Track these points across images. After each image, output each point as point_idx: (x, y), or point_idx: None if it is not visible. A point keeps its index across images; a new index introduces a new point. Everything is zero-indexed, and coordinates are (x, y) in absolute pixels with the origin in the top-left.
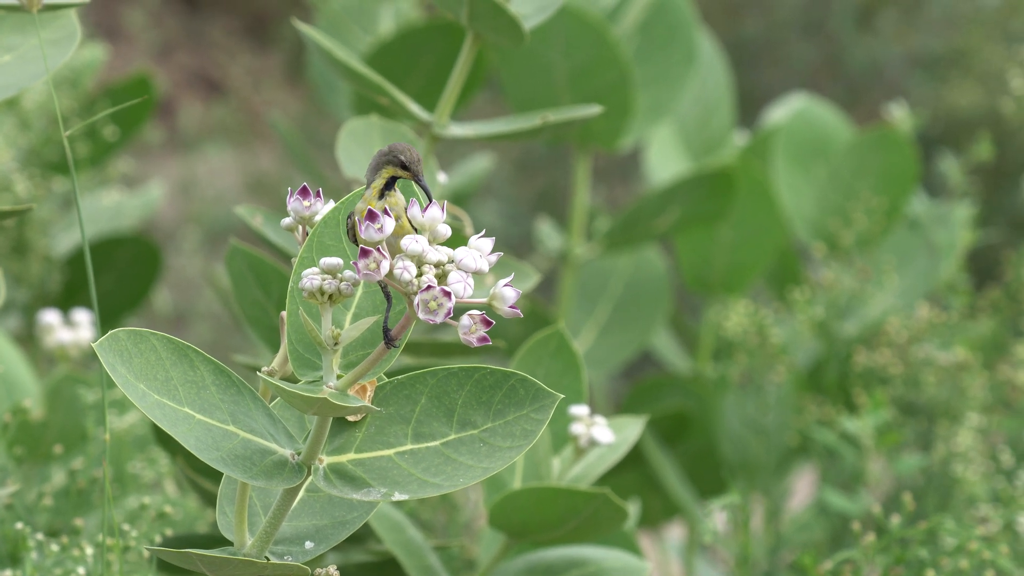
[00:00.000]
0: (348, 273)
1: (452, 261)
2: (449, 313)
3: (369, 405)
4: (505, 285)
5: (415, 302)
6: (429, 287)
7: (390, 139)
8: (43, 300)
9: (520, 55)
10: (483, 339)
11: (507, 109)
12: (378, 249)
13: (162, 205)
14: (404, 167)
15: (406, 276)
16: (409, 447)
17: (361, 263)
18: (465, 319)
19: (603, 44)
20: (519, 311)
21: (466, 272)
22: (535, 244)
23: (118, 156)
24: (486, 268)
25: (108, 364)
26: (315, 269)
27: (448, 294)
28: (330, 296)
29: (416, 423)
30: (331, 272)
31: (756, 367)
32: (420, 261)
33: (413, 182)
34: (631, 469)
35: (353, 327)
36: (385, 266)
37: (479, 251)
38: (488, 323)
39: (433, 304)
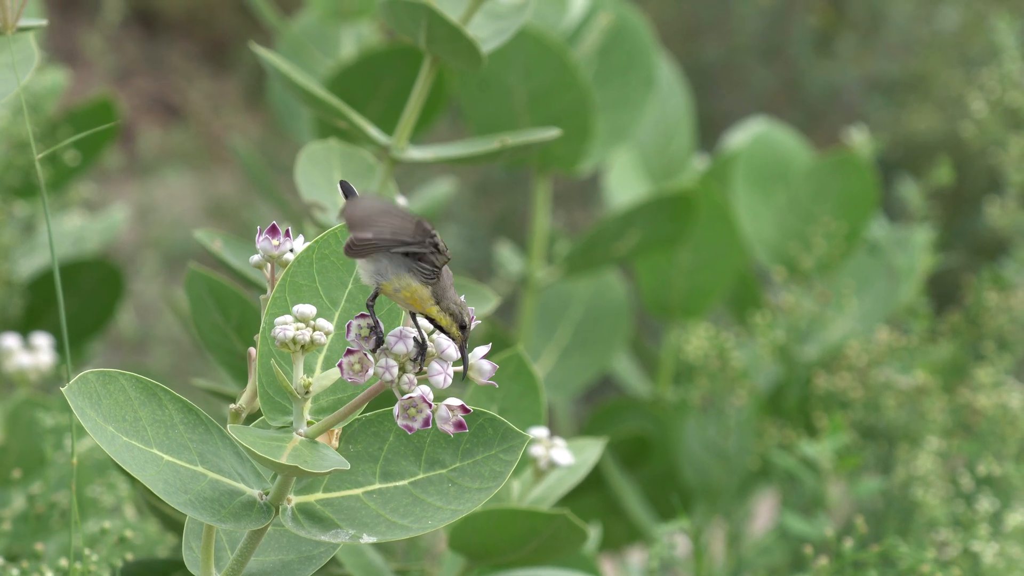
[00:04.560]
0: (322, 321)
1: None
2: (428, 421)
3: (339, 461)
4: (482, 357)
5: (394, 409)
6: (411, 398)
7: (349, 163)
8: (3, 324)
9: (479, 79)
10: (460, 425)
11: (467, 133)
12: (363, 353)
13: (122, 230)
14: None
15: (388, 377)
16: (377, 486)
17: (345, 362)
18: (443, 410)
19: (562, 68)
20: (495, 383)
21: (447, 362)
22: (495, 268)
23: (79, 181)
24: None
25: (77, 408)
26: (289, 317)
27: (428, 403)
28: (302, 346)
29: (384, 461)
30: (304, 320)
31: (717, 391)
32: (403, 360)
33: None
34: (592, 493)
35: (324, 376)
36: (370, 372)
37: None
38: (466, 411)
39: (412, 412)
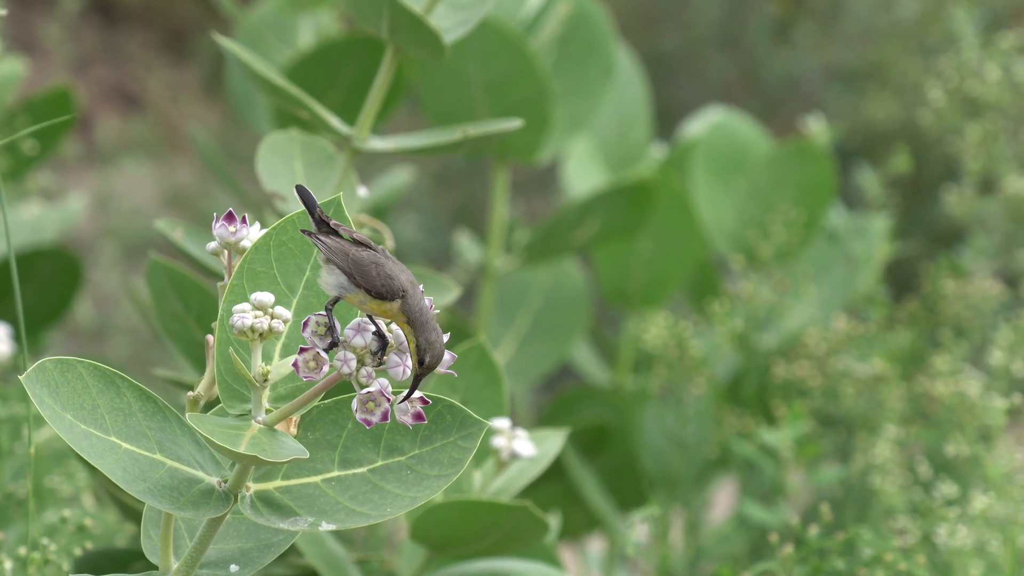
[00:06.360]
0: (280, 309)
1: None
2: (386, 415)
3: (298, 449)
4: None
5: (353, 403)
6: (369, 392)
7: (310, 153)
8: None
9: (439, 68)
10: (419, 416)
11: (425, 122)
12: (318, 350)
13: (80, 219)
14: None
15: (346, 370)
16: (336, 473)
17: (300, 359)
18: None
19: (521, 58)
20: (454, 372)
21: (405, 354)
22: (454, 257)
23: (37, 170)
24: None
25: (36, 396)
26: (247, 305)
27: (387, 396)
28: (261, 334)
29: (343, 449)
30: (262, 308)
31: (675, 379)
32: (362, 354)
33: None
34: (552, 482)
35: (282, 363)
36: (325, 369)
37: None
38: (425, 402)
39: (371, 405)
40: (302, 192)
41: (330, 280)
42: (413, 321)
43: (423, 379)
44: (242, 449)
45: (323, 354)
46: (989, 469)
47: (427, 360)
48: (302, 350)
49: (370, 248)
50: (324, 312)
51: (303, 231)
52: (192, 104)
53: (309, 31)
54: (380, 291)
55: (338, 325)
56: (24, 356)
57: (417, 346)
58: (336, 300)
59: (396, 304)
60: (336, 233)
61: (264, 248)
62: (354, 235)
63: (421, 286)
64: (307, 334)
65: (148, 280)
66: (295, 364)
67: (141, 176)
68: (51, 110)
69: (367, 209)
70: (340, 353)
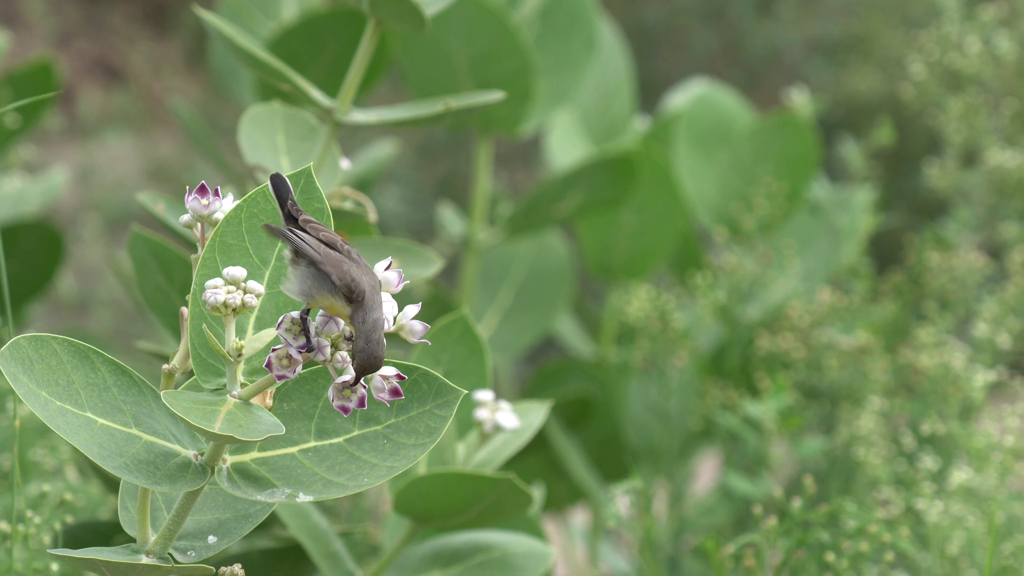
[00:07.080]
0: (253, 284)
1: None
2: (363, 401)
3: (274, 424)
4: (412, 318)
5: (329, 392)
6: (344, 380)
7: (292, 125)
8: None
9: (421, 42)
10: (395, 392)
11: (409, 96)
12: (292, 349)
13: (62, 192)
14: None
15: (320, 357)
16: (313, 444)
17: (273, 357)
18: (377, 380)
19: (504, 31)
20: (428, 341)
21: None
22: (437, 230)
23: (19, 143)
24: (396, 309)
25: (10, 375)
26: (219, 280)
27: (362, 383)
28: (234, 309)
29: (319, 419)
30: (234, 283)
31: (659, 352)
32: (335, 339)
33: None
34: (535, 454)
35: (256, 338)
36: (299, 369)
37: (390, 296)
38: (402, 378)
39: (347, 392)
40: (276, 182)
41: (293, 288)
42: (356, 326)
43: (359, 380)
44: (217, 428)
45: (296, 354)
46: (969, 442)
47: (355, 365)
48: (274, 349)
49: (336, 249)
50: (299, 314)
51: (268, 227)
52: (175, 77)
53: (292, 4)
54: (349, 287)
55: (313, 329)
56: (10, 330)
57: (352, 353)
58: (308, 310)
59: (352, 308)
60: (304, 230)
61: (235, 220)
62: (321, 234)
63: (401, 271)
64: (280, 332)
65: (130, 252)
66: (269, 363)
67: (123, 149)
68: (33, 83)
69: (350, 182)
70: (313, 340)
